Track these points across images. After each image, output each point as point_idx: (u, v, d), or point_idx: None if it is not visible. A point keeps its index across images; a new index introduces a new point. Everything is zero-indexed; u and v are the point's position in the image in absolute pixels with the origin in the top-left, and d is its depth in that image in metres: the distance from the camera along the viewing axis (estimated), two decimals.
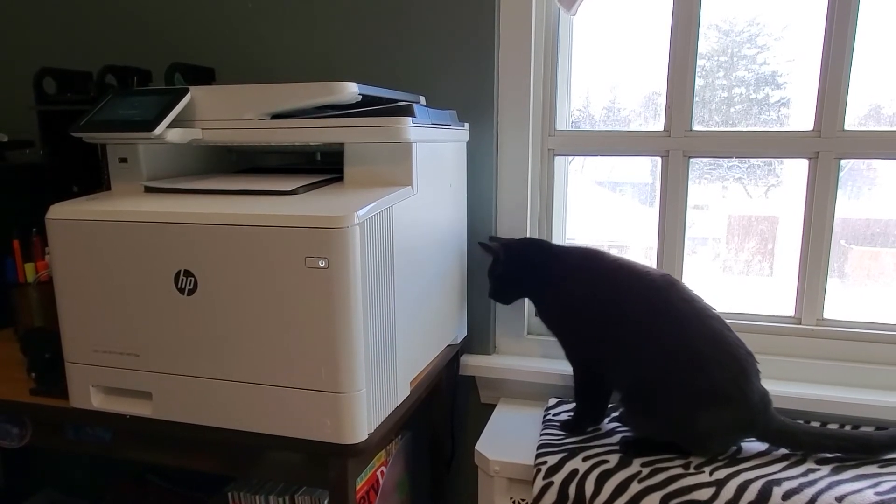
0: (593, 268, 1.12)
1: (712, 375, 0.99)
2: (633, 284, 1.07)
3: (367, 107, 0.98)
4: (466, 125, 1.25)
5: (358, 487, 1.04)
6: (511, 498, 1.14)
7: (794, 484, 0.95)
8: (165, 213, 0.89)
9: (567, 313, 1.14)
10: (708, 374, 0.99)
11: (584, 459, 1.04)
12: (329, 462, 0.92)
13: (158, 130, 0.93)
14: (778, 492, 0.93)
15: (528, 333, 1.37)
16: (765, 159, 1.30)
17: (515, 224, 1.30)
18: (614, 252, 1.15)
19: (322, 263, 0.82)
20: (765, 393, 1.01)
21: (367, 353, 0.87)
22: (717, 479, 0.97)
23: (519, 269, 1.17)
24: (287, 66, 1.38)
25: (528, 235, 1.31)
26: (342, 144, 0.97)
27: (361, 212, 0.83)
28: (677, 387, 1.00)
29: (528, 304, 1.35)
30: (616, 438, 1.11)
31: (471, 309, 1.33)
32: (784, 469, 0.99)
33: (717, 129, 1.27)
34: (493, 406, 1.34)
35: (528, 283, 1.18)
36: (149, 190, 1.02)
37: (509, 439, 1.19)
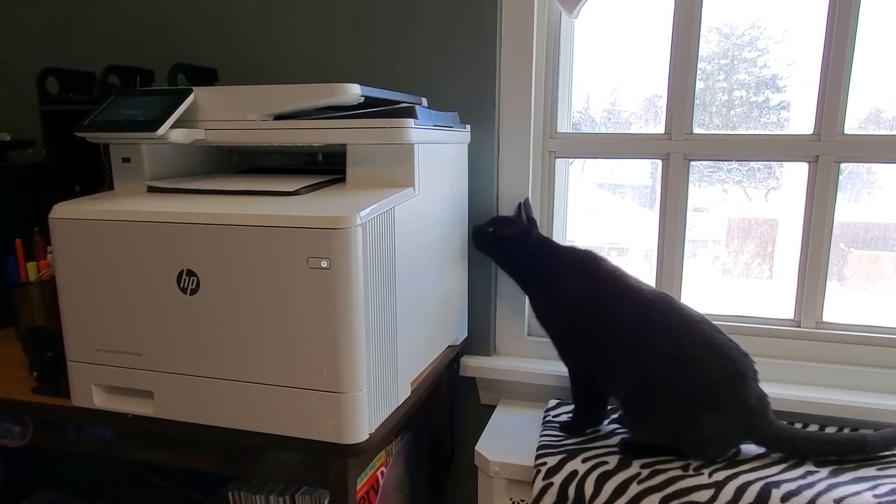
0: (588, 274, 1.12)
1: (708, 377, 0.99)
2: (624, 296, 1.08)
3: (370, 108, 0.98)
4: (468, 127, 1.25)
5: (358, 487, 1.04)
6: (511, 499, 1.14)
7: (792, 486, 0.95)
8: (168, 213, 0.89)
9: (558, 316, 1.15)
10: (703, 376, 0.99)
11: (584, 461, 1.04)
12: (330, 462, 0.92)
13: (162, 131, 0.94)
14: (777, 494, 0.94)
15: (529, 335, 1.38)
16: (765, 162, 1.30)
17: None
18: (614, 254, 1.16)
19: (324, 264, 0.82)
20: (762, 395, 1.01)
21: (369, 353, 0.87)
22: (717, 481, 0.97)
23: (519, 253, 1.18)
24: (290, 67, 1.38)
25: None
26: (344, 145, 0.98)
27: (364, 213, 0.84)
28: (673, 391, 1.01)
29: (527, 306, 1.36)
30: (616, 440, 1.11)
31: (471, 310, 1.34)
32: (783, 471, 1.00)
33: (717, 132, 1.28)
34: (493, 407, 1.34)
35: (519, 266, 1.20)
36: (151, 190, 1.02)
37: (509, 440, 1.19)
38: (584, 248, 1.18)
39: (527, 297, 1.30)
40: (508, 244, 1.19)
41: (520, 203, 1.22)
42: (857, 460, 1.02)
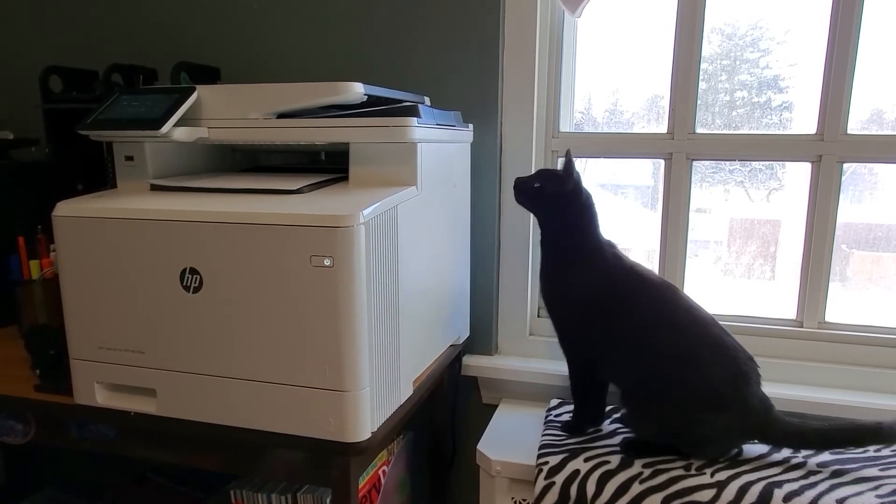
0: (605, 267, 1.09)
1: (711, 377, 0.99)
2: (636, 289, 1.07)
3: (373, 107, 0.98)
4: (471, 126, 1.25)
5: (360, 486, 1.04)
6: (512, 498, 1.14)
7: (795, 486, 0.95)
8: (171, 212, 0.90)
9: (569, 308, 1.13)
10: (706, 376, 0.99)
11: (586, 460, 1.04)
12: (332, 460, 0.92)
13: (165, 129, 0.94)
14: (779, 494, 0.93)
15: (531, 334, 1.38)
16: (767, 163, 1.30)
17: (519, 224, 1.31)
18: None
19: (327, 262, 0.82)
20: (765, 397, 1.01)
21: (371, 352, 0.87)
22: (719, 481, 0.97)
23: (564, 212, 1.10)
24: (292, 65, 1.38)
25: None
26: (347, 144, 0.98)
27: (367, 211, 0.84)
28: (677, 389, 1.01)
29: (529, 305, 1.36)
30: (617, 439, 1.11)
31: (473, 309, 1.34)
32: (785, 471, 1.00)
33: (719, 132, 1.28)
34: (495, 406, 1.34)
35: (557, 227, 1.11)
36: (155, 188, 1.02)
37: (511, 440, 1.19)
38: (609, 240, 1.12)
39: (530, 275, 1.29)
40: (555, 202, 1.09)
41: (567, 151, 1.11)
42: (870, 444, 0.99)
